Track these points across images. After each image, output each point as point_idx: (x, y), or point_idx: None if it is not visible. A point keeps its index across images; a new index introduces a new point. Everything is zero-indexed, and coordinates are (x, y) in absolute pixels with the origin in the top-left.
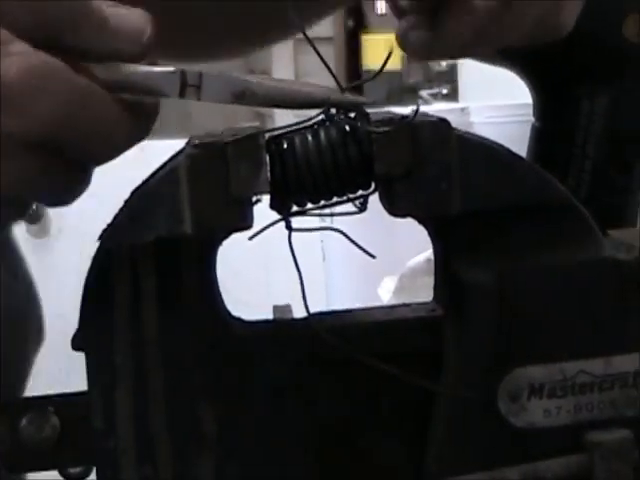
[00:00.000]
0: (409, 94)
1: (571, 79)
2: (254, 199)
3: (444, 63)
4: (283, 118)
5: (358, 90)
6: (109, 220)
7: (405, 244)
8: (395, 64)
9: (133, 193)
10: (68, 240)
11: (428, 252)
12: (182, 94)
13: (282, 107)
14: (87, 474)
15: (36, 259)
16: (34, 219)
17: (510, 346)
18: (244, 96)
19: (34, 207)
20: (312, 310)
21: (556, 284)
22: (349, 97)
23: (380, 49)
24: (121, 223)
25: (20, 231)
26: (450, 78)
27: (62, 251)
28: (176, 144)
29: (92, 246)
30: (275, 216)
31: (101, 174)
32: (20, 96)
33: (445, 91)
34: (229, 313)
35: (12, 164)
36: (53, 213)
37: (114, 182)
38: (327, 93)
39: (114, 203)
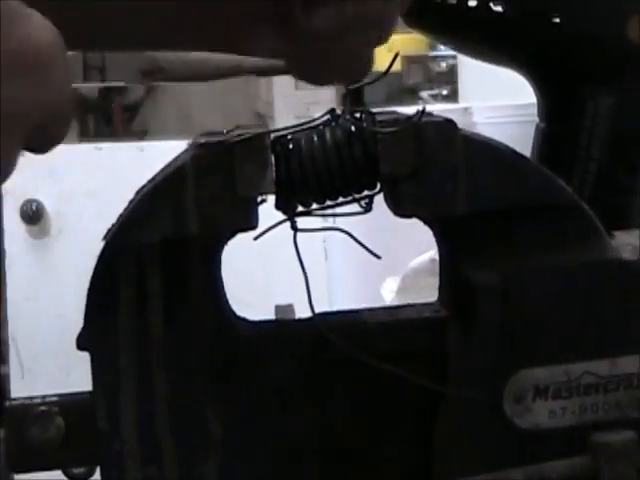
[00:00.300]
0: (409, 95)
1: (575, 80)
2: (259, 199)
3: (444, 64)
4: (283, 118)
5: (359, 91)
6: (109, 220)
7: (408, 244)
8: (395, 65)
9: (138, 192)
10: (68, 240)
11: (431, 252)
12: (86, 77)
13: (193, 80)
14: (90, 474)
15: (36, 259)
16: (34, 220)
17: (515, 347)
18: (152, 73)
19: (34, 208)
20: (315, 310)
21: (561, 285)
22: (261, 62)
23: (380, 49)
24: (126, 223)
25: (20, 231)
26: (450, 79)
27: (62, 251)
28: (176, 145)
29: (92, 246)
30: (278, 216)
31: (101, 175)
32: (47, 68)
33: (445, 92)
34: (234, 313)
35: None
36: (53, 214)
37: (114, 183)
38: (239, 61)
39: (114, 204)
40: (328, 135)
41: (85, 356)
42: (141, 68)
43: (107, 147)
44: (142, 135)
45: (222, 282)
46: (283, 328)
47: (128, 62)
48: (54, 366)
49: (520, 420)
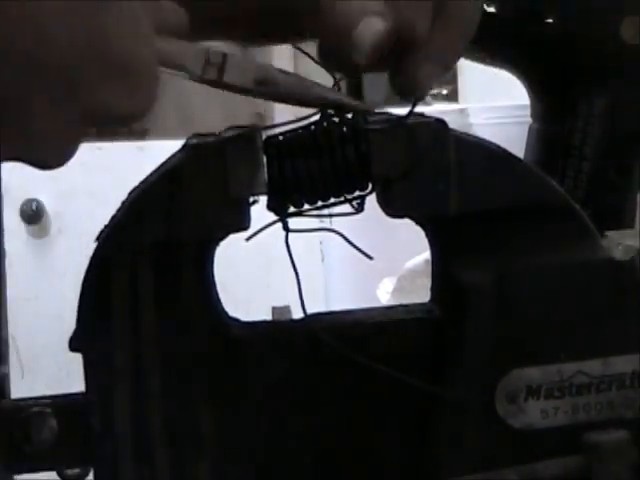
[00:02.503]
0: None
1: (569, 81)
2: (251, 200)
3: None
4: (284, 119)
5: (358, 90)
6: (108, 220)
7: (404, 245)
8: None
9: (131, 193)
10: (68, 240)
11: (427, 253)
12: (204, 72)
13: (296, 103)
14: (85, 475)
15: (36, 259)
16: (34, 219)
17: (507, 347)
18: (266, 83)
19: (34, 207)
20: (311, 311)
21: (554, 285)
22: (360, 104)
23: None
24: (119, 224)
25: (20, 231)
26: (450, 79)
27: (62, 251)
28: (176, 145)
29: (92, 246)
30: (272, 216)
31: (101, 174)
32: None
33: (445, 92)
34: (227, 314)
35: None
36: (53, 213)
37: (114, 182)
38: (339, 97)
39: (113, 203)
40: (320, 135)
41: None
42: (256, 76)
43: (107, 147)
44: (142, 135)
45: (215, 282)
46: (276, 329)
47: (245, 67)
48: (54, 366)
49: (513, 420)
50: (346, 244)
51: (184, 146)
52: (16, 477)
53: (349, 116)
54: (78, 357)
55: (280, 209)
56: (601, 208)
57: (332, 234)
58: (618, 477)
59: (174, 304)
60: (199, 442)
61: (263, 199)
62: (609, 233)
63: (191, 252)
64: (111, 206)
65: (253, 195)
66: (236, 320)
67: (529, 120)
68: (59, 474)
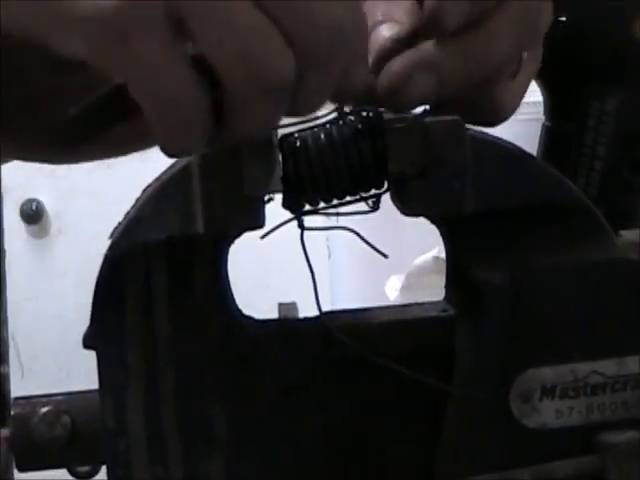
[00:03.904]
0: None
1: (581, 79)
2: (266, 198)
3: None
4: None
5: None
6: (108, 220)
7: (412, 242)
8: None
9: (144, 191)
10: (68, 240)
11: (435, 250)
12: None
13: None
14: (95, 472)
15: (36, 259)
16: (34, 219)
17: (522, 346)
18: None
19: (34, 207)
20: (315, 309)
21: (568, 284)
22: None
23: None
24: (133, 221)
25: (20, 231)
26: None
27: (62, 251)
28: None
29: (92, 246)
30: (283, 215)
31: (101, 174)
32: None
33: None
34: (241, 312)
35: None
36: (53, 213)
37: (114, 182)
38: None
39: (114, 203)
40: (335, 133)
41: (85, 356)
42: None
43: None
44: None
45: (229, 281)
46: (289, 327)
47: None
48: (54, 366)
49: (527, 420)
50: (353, 242)
51: None
52: (19, 476)
53: (365, 114)
54: (78, 357)
55: (295, 207)
56: (614, 207)
57: (338, 231)
58: (632, 477)
59: (188, 302)
60: (212, 440)
61: (278, 197)
62: (623, 232)
63: (205, 250)
64: (111, 206)
65: (268, 193)
66: (250, 318)
67: (539, 117)
68: (70, 471)
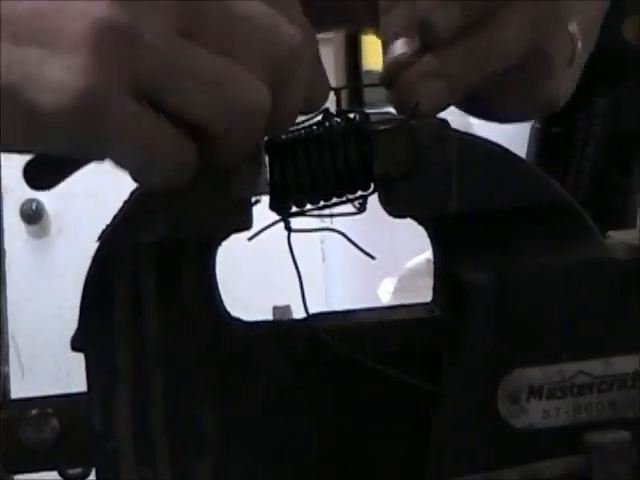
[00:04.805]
0: None
1: None
2: (253, 200)
3: None
4: None
5: (359, 92)
6: (108, 220)
7: (405, 245)
8: None
9: (133, 193)
10: (67, 240)
11: (428, 253)
12: None
13: None
14: (86, 475)
15: (36, 259)
16: (34, 219)
17: (509, 347)
18: None
19: (34, 207)
20: (312, 311)
21: (555, 285)
22: None
23: (380, 49)
24: (121, 223)
25: (20, 231)
26: None
27: (62, 251)
28: None
29: (92, 246)
30: (274, 216)
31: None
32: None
33: None
34: (228, 313)
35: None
36: (53, 213)
37: (114, 182)
38: None
39: (114, 203)
40: (322, 135)
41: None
42: None
43: None
44: None
45: (216, 282)
46: (277, 328)
47: None
48: (54, 366)
49: (515, 420)
50: (347, 244)
51: None
52: (16, 477)
53: (351, 116)
54: (78, 357)
55: (282, 209)
56: (603, 208)
57: (333, 234)
58: (619, 478)
59: (176, 303)
60: (200, 442)
61: (265, 199)
62: (611, 233)
63: (193, 252)
64: (111, 206)
65: (255, 195)
66: (238, 320)
67: (531, 120)
68: (60, 474)
